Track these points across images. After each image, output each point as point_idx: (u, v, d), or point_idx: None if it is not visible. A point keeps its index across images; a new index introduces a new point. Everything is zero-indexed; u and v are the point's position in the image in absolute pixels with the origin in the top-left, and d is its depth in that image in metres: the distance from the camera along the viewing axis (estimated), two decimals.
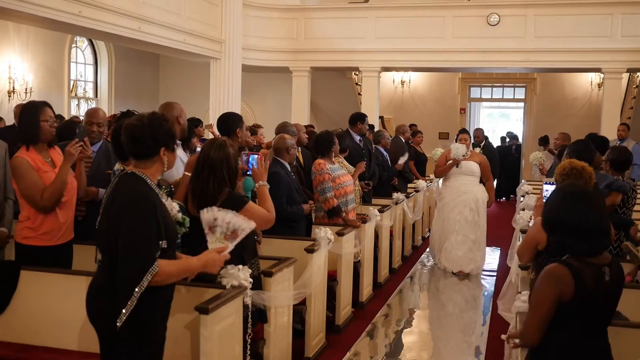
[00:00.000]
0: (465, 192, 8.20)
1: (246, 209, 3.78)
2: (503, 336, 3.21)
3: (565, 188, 2.84)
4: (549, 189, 4.13)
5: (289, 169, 5.70)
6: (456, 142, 8.30)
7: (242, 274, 3.61)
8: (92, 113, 5.14)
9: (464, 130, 8.51)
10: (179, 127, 4.55)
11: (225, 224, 3.20)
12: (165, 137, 3.00)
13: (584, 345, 2.70)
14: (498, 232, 10.17)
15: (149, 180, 2.97)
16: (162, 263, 2.86)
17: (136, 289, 2.77)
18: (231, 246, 3.20)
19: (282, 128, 6.61)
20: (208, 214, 3.22)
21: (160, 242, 2.89)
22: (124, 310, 2.77)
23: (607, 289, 2.70)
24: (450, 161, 8.21)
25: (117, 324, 2.78)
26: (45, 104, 4.40)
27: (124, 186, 2.95)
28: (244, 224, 3.23)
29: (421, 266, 8.79)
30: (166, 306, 3.05)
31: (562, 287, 2.62)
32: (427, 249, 9.37)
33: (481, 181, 8.42)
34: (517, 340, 2.97)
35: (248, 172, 4.13)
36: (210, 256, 3.15)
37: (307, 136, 7.58)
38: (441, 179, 8.81)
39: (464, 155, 8.11)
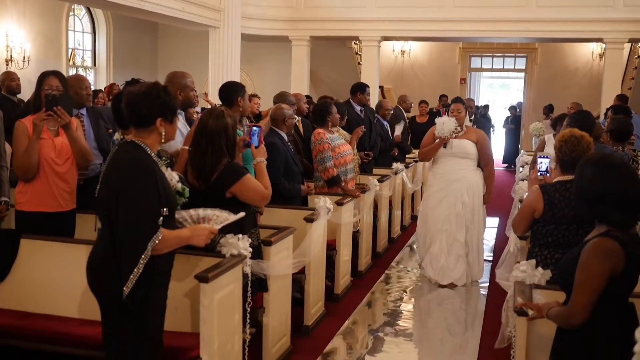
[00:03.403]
0: (457, 179, 6.42)
1: (243, 180, 3.78)
2: (519, 301, 3.07)
3: (604, 159, 2.69)
4: (543, 161, 4.13)
5: (286, 139, 5.69)
6: (447, 115, 6.54)
7: (241, 243, 3.64)
8: (80, 79, 4.98)
9: (457, 100, 6.65)
10: (180, 99, 4.48)
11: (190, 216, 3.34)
12: (161, 108, 2.98)
13: (631, 319, 2.65)
14: (497, 201, 10.19)
15: (148, 150, 2.97)
16: (164, 232, 2.88)
17: (142, 257, 2.79)
18: (217, 226, 3.26)
19: (281, 97, 6.56)
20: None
21: (162, 209, 2.90)
22: (131, 277, 2.79)
23: None
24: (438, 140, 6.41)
25: (125, 291, 2.80)
26: (52, 73, 4.44)
27: (123, 154, 2.95)
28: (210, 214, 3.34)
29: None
30: (167, 274, 3.07)
31: (616, 261, 2.55)
32: None
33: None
34: (530, 312, 2.94)
35: (250, 143, 4.10)
36: (199, 228, 3.18)
37: (307, 106, 7.54)
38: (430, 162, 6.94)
39: (453, 132, 6.31)
